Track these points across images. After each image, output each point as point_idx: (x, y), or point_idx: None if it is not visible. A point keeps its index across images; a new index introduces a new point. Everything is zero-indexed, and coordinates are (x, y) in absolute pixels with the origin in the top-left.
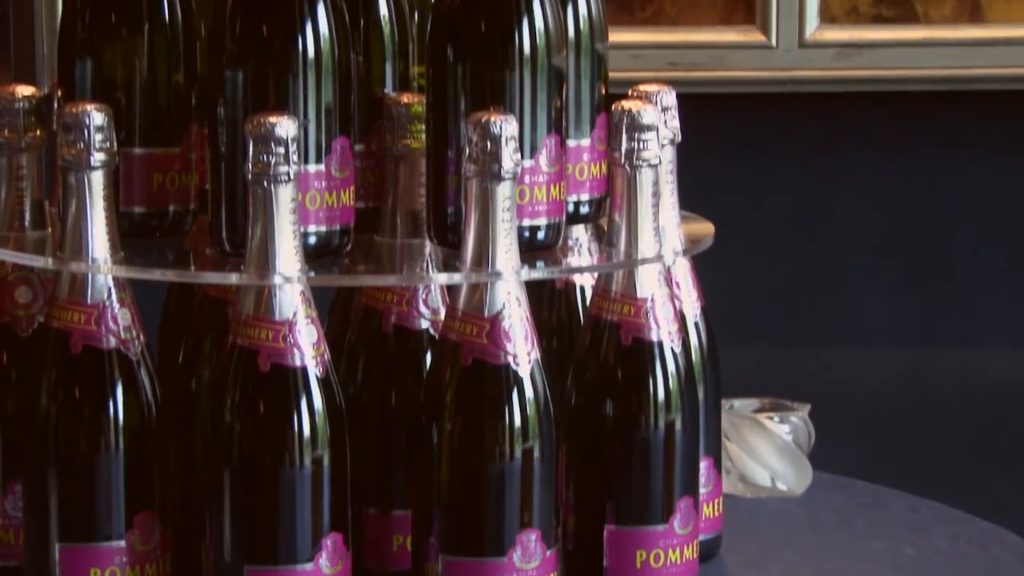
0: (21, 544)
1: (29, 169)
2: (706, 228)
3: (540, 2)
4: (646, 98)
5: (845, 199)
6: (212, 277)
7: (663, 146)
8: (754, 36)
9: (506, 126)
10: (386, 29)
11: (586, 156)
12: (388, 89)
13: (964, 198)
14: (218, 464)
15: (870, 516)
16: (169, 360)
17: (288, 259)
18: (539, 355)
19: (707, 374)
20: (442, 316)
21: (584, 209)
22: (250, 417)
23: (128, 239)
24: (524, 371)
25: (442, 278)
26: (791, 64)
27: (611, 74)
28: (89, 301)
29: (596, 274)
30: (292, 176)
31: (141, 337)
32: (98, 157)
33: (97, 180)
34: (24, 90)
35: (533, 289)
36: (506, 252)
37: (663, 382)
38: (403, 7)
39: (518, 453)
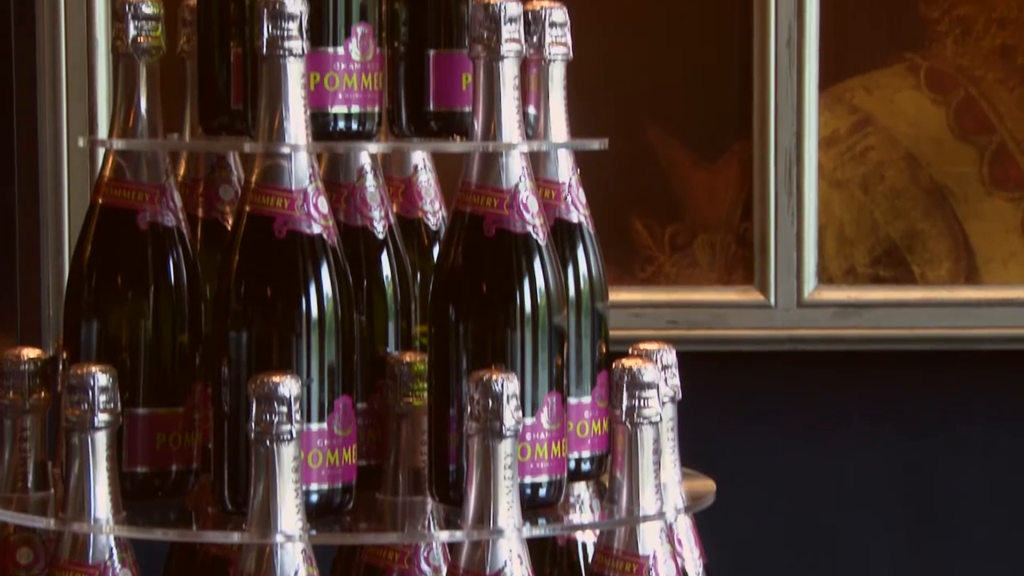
0: None
1: (33, 431)
2: (707, 485)
3: (541, 263)
4: (646, 356)
5: (845, 457)
6: (214, 536)
7: (664, 404)
8: (753, 296)
9: (507, 384)
10: (388, 289)
11: (587, 413)
12: (390, 348)
13: (964, 457)
14: None
15: None
16: None
17: (290, 517)
18: None
19: None
20: (444, 575)
21: (586, 466)
22: None
23: (130, 499)
24: None
25: (443, 536)
26: (790, 323)
27: (611, 332)
28: (91, 561)
29: (598, 531)
30: (295, 435)
31: None
32: (102, 418)
33: (100, 441)
34: (29, 352)
35: (535, 546)
36: (508, 509)
37: None
38: (405, 267)
39: None
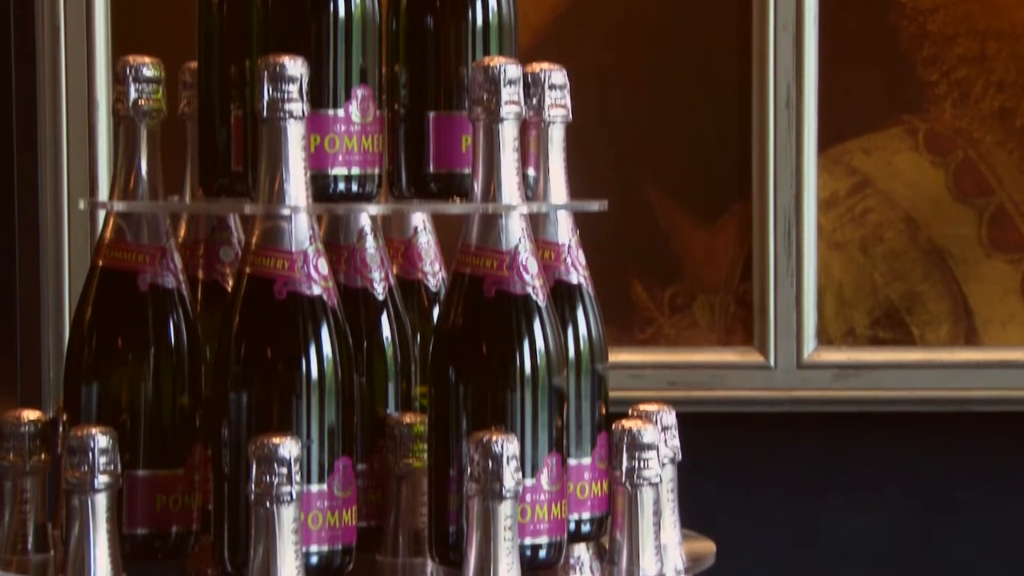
0: None
1: (33, 492)
2: (707, 547)
3: (541, 324)
4: (646, 417)
5: (845, 518)
6: None
7: (664, 465)
8: (753, 357)
9: (507, 445)
10: (388, 350)
11: (587, 475)
12: (391, 409)
13: (964, 518)
14: None
15: None
16: None
17: None
18: None
19: None
20: None
21: (586, 528)
22: None
23: (130, 561)
24: None
25: None
26: (790, 384)
27: (611, 393)
28: None
29: None
30: (295, 496)
31: None
32: (102, 480)
33: (100, 503)
34: (30, 414)
35: None
36: (508, 571)
37: None
38: (405, 328)
39: None
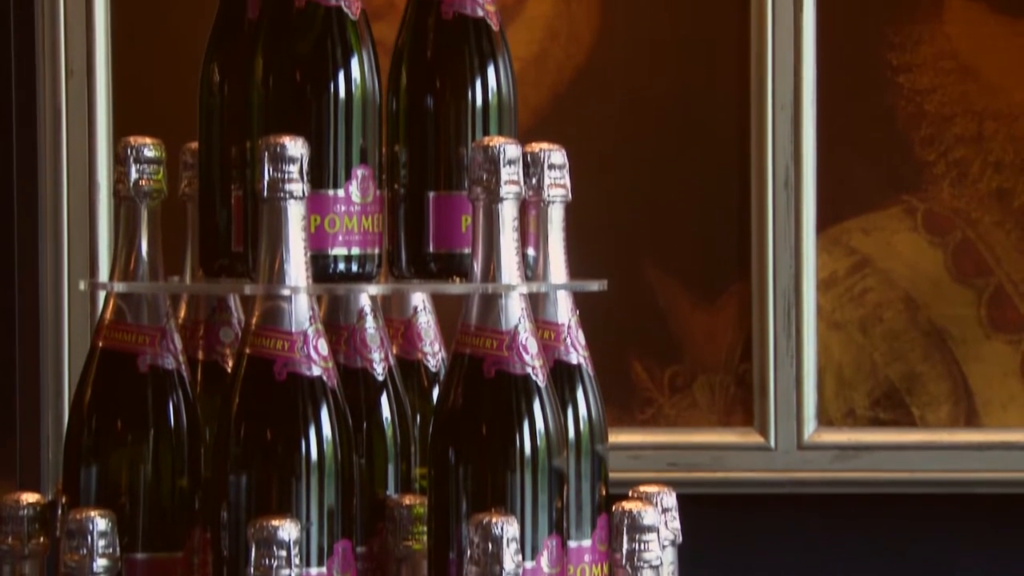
0: None
1: None
2: None
3: (541, 405)
4: (646, 499)
5: None
6: None
7: (664, 547)
8: (753, 438)
9: (507, 527)
10: (388, 431)
11: (587, 557)
12: (390, 491)
13: None
14: None
15: None
16: None
17: None
18: None
19: None
20: None
21: None
22: None
23: None
24: None
25: None
26: (790, 466)
27: (611, 474)
28: None
29: None
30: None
31: None
32: (101, 563)
33: None
34: (28, 497)
35: None
36: None
37: None
38: (405, 409)
39: None
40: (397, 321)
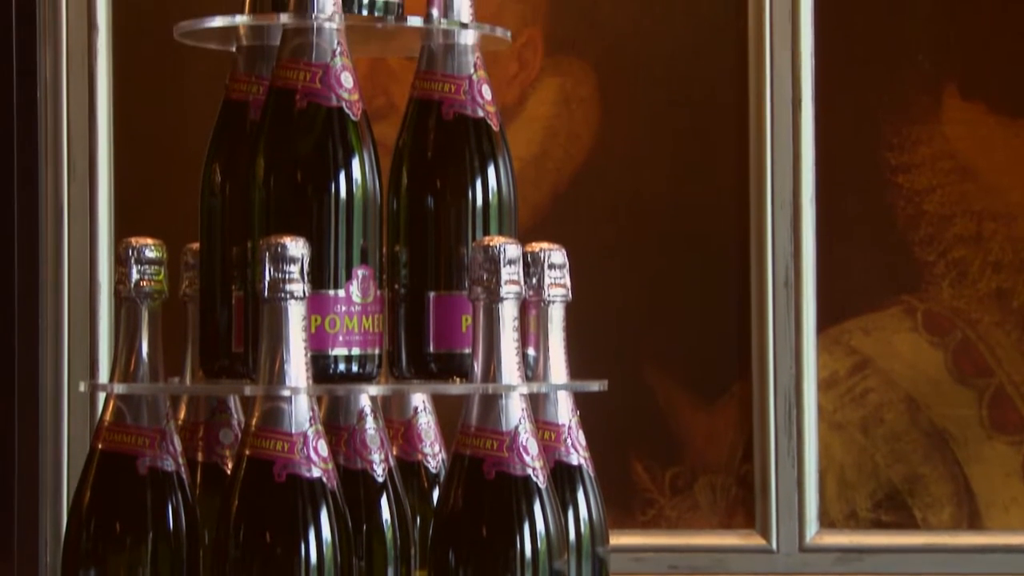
0: None
1: None
2: None
3: (541, 506)
4: None
5: None
6: None
7: None
8: (754, 540)
9: None
10: (388, 533)
11: None
12: None
13: None
14: None
15: None
16: None
17: None
18: None
19: None
20: None
21: None
22: None
23: None
24: None
25: None
26: (792, 568)
27: None
28: None
29: None
30: None
31: None
32: None
33: None
34: None
35: None
36: None
37: None
38: (405, 511)
39: None
40: (397, 422)
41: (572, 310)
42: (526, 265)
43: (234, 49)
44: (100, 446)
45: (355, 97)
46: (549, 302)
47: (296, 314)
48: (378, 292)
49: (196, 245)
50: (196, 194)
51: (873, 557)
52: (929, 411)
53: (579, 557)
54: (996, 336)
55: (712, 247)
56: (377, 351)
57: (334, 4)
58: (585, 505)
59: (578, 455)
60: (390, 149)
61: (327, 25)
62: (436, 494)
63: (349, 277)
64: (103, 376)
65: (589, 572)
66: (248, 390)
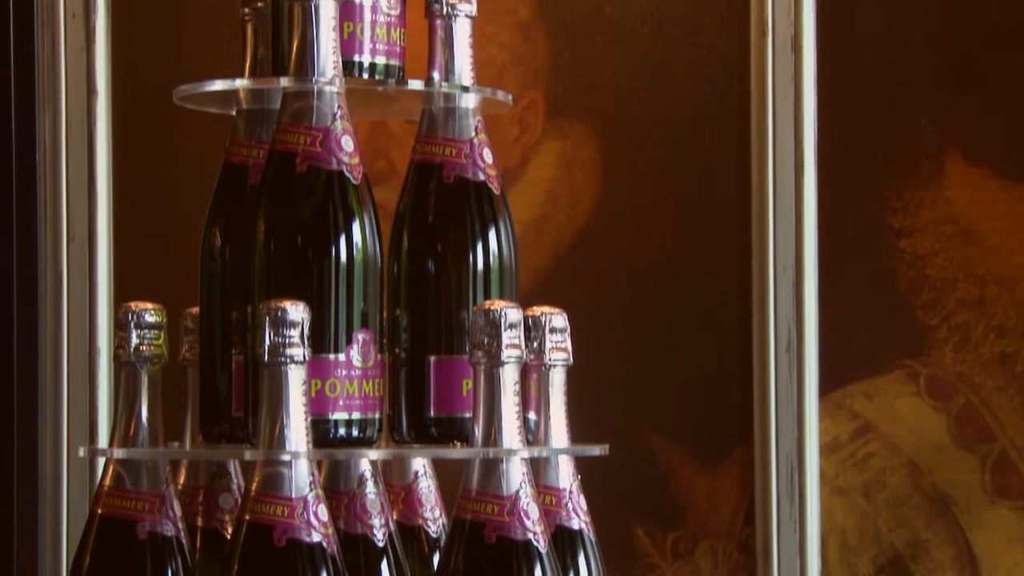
0: None
1: None
2: None
3: (542, 571)
4: None
5: None
6: None
7: None
8: None
9: None
10: None
11: None
12: None
13: None
14: None
15: None
16: None
17: None
18: None
19: None
20: None
21: None
22: None
23: None
24: None
25: None
26: None
27: None
28: None
29: None
30: None
31: None
32: None
33: None
34: None
35: None
36: None
37: None
38: None
39: None
40: (398, 486)
41: (573, 374)
42: (527, 329)
43: (234, 113)
44: (99, 511)
45: (356, 160)
46: (550, 366)
47: (296, 378)
48: (379, 356)
49: (196, 309)
50: (196, 258)
51: None
52: (932, 476)
53: None
54: (999, 401)
55: (714, 311)
56: (377, 415)
57: (335, 67)
58: (586, 570)
59: (579, 519)
60: (391, 212)
61: (328, 89)
62: (437, 559)
63: (350, 341)
64: (103, 441)
65: None
66: (248, 455)
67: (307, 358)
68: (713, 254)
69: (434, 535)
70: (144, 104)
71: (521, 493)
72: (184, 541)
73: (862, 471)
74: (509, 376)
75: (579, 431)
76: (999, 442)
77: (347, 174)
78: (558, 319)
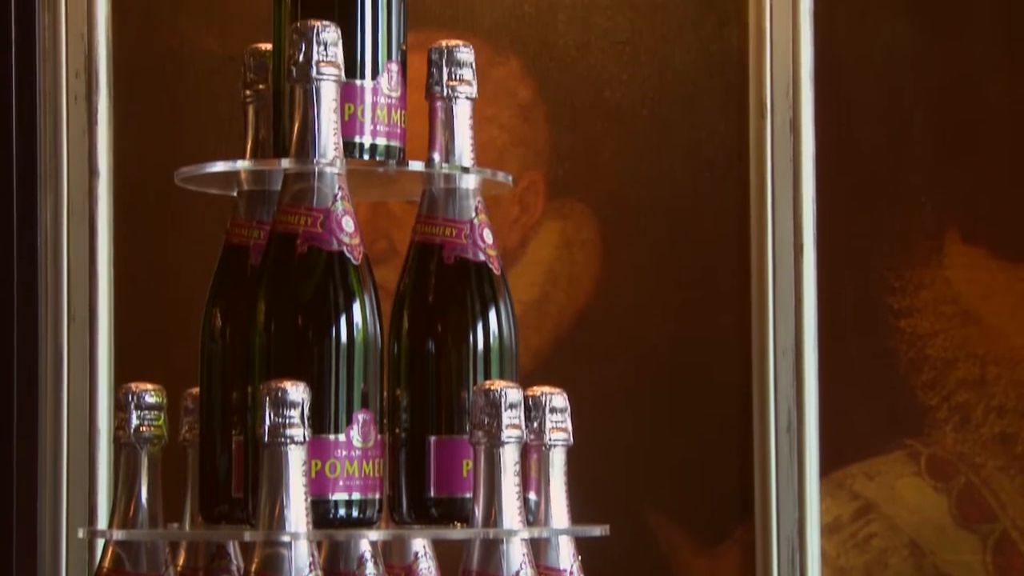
0: None
1: None
2: None
3: None
4: None
5: None
6: None
7: None
8: None
9: None
10: None
11: None
12: None
13: None
14: None
15: None
16: None
17: None
18: None
19: None
20: None
21: None
22: None
23: None
24: None
25: None
26: None
27: None
28: None
29: None
30: None
31: None
32: None
33: None
34: None
35: None
36: None
37: None
38: None
39: None
40: (398, 567)
41: (573, 453)
42: (527, 409)
43: (235, 194)
44: None
45: (356, 241)
46: (551, 446)
47: (296, 459)
48: (379, 436)
49: (196, 390)
50: (196, 339)
51: None
52: (933, 557)
53: None
54: (1000, 481)
55: (714, 392)
56: (377, 496)
57: (335, 149)
58: None
59: None
60: (391, 293)
61: (328, 170)
62: None
63: (350, 421)
64: (102, 522)
65: None
66: (247, 535)
67: (307, 438)
68: (713, 334)
69: None
70: (145, 185)
71: (521, 573)
72: None
73: (863, 552)
74: (509, 456)
75: (579, 511)
76: (1000, 522)
77: (348, 255)
78: (558, 399)
